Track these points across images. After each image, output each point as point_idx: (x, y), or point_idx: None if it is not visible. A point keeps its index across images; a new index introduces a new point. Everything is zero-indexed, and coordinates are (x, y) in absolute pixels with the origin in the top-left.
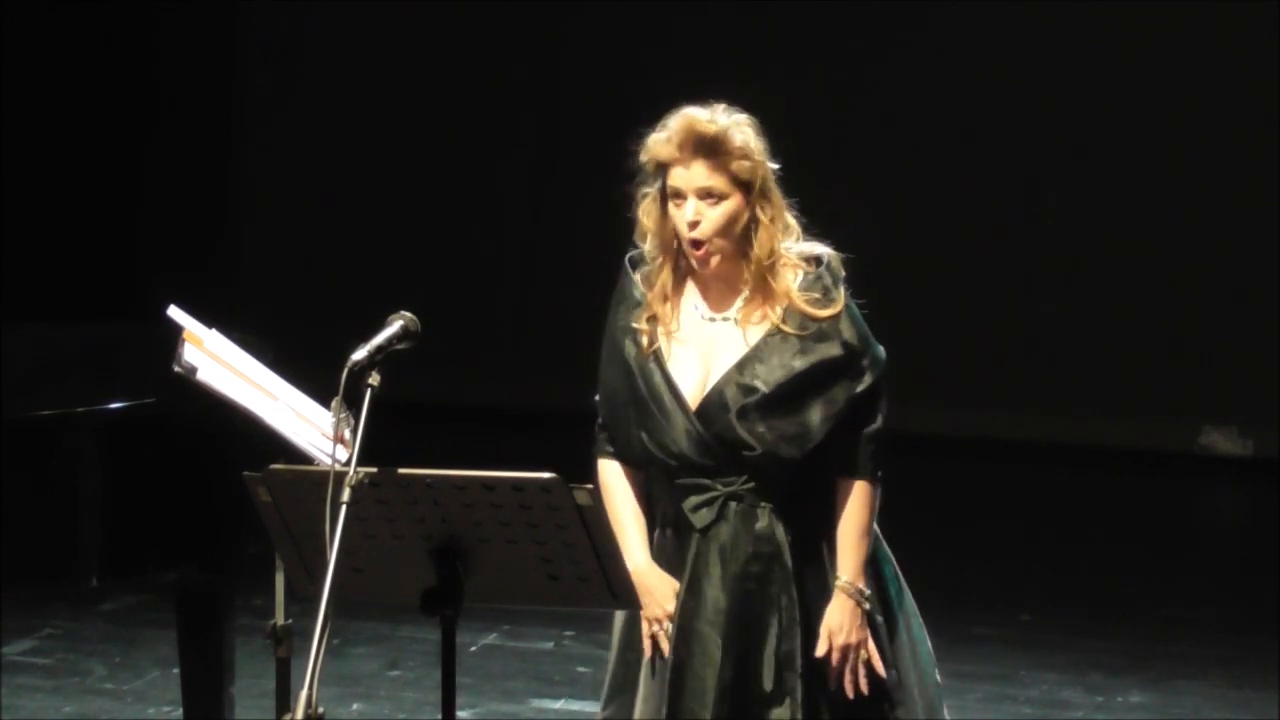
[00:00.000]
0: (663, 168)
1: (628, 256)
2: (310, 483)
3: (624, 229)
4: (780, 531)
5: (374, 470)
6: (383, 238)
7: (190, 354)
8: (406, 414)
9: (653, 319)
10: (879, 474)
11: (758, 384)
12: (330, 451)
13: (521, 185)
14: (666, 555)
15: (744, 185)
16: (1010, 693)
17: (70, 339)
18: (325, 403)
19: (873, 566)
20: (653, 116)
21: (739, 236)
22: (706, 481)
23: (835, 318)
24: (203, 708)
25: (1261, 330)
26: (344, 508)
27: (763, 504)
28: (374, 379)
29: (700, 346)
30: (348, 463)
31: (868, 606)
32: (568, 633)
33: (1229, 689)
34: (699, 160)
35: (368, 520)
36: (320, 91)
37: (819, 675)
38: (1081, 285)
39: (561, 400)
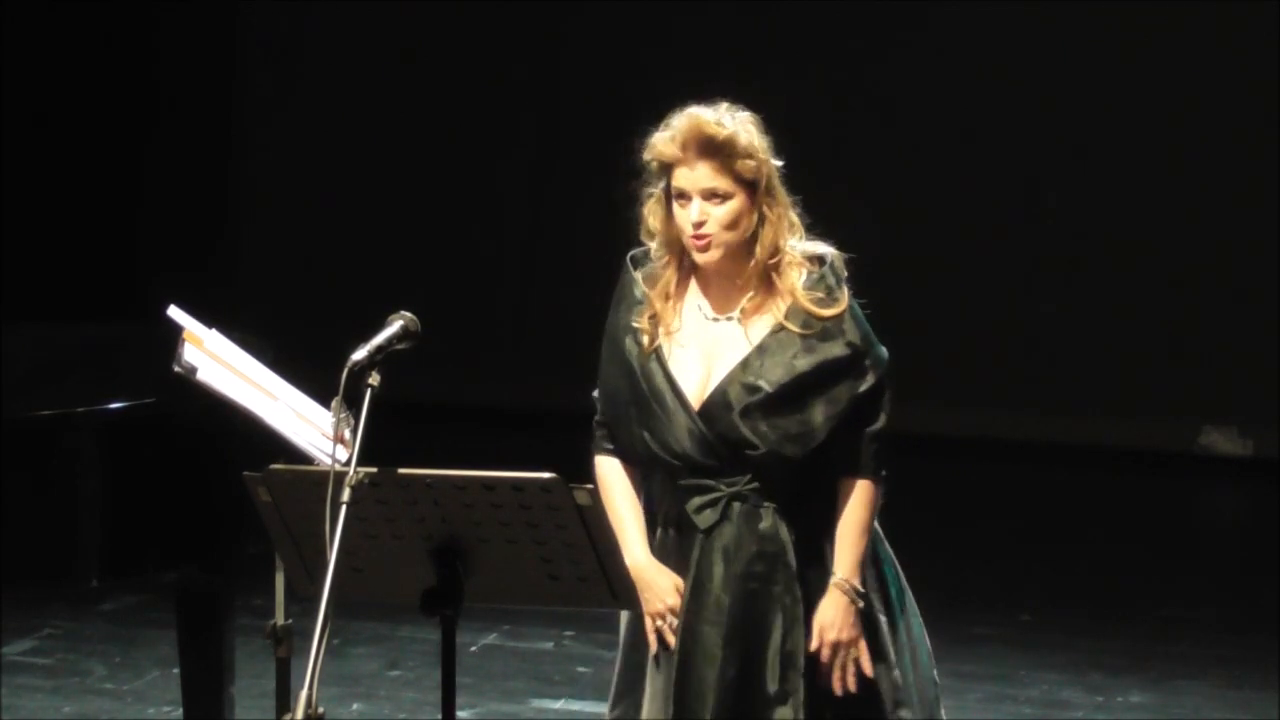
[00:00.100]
0: (667, 167)
1: (629, 255)
2: (310, 483)
3: (624, 229)
4: (784, 531)
5: (374, 470)
6: (383, 238)
7: (190, 354)
8: (406, 414)
9: (654, 318)
10: (882, 473)
11: (761, 383)
12: (330, 451)
13: (521, 185)
14: (670, 555)
15: (749, 184)
16: (1010, 693)
17: (70, 339)
18: (325, 403)
19: (874, 566)
20: (653, 116)
21: (743, 235)
22: (709, 482)
23: (838, 317)
24: (203, 708)
25: (1261, 330)
26: (344, 508)
27: (766, 503)
28: (374, 379)
29: (702, 346)
30: (348, 463)
31: (861, 605)
32: (568, 633)
33: (1229, 689)
34: (704, 161)
35: (368, 520)
36: (320, 91)
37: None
38: (1081, 285)
39: (561, 400)
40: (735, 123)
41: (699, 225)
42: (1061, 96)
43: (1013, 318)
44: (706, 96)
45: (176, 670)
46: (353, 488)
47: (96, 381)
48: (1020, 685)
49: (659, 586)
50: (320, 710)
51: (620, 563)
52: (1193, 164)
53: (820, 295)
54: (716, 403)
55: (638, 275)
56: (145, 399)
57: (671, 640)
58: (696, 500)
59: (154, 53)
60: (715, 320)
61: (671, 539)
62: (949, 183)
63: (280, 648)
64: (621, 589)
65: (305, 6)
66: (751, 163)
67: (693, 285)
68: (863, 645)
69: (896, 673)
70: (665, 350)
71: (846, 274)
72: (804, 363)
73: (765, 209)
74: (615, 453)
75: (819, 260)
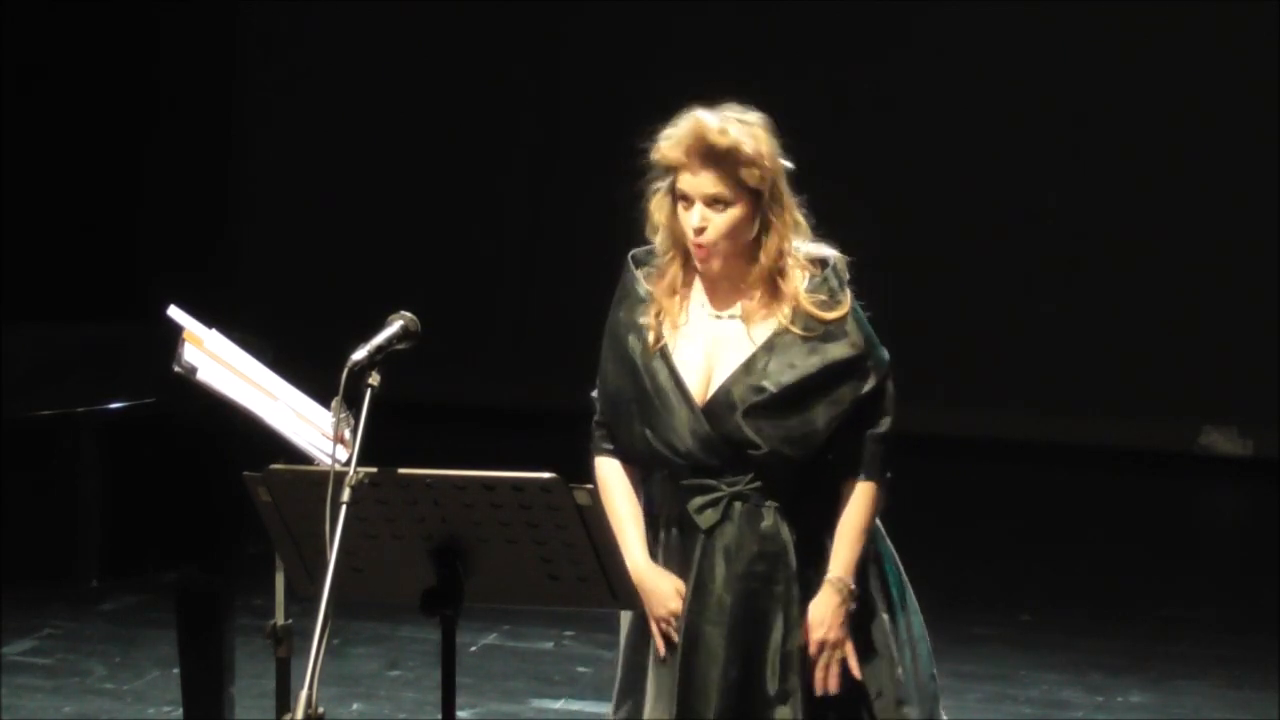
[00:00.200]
0: (672, 168)
1: (630, 254)
2: (310, 483)
3: (624, 229)
4: (785, 531)
5: (374, 470)
6: (383, 238)
7: (190, 354)
8: (406, 414)
9: (659, 315)
10: (886, 476)
11: (766, 384)
12: (330, 451)
13: (521, 185)
14: (671, 556)
15: (753, 191)
16: (1010, 693)
17: (70, 339)
18: (325, 403)
19: (875, 563)
20: (653, 117)
21: (746, 240)
22: (711, 482)
23: (841, 319)
24: (203, 708)
25: (1261, 330)
26: (344, 508)
27: (768, 503)
28: (374, 379)
29: (705, 343)
30: (348, 463)
31: (854, 606)
32: (568, 633)
33: (1229, 689)
34: (707, 169)
35: (368, 520)
36: (320, 92)
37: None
38: (1081, 285)
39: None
40: (741, 129)
41: (699, 232)
42: (1061, 96)
43: (1013, 318)
44: (706, 96)
45: (176, 670)
46: (353, 488)
47: (96, 381)
48: (1020, 685)
49: (661, 591)
50: (320, 710)
51: (620, 563)
52: (1193, 164)
53: (823, 298)
54: (720, 402)
55: (640, 274)
56: (145, 399)
57: (676, 639)
58: (698, 500)
59: (154, 53)
60: (718, 317)
61: (673, 539)
62: (949, 183)
63: (280, 648)
64: (621, 589)
65: (305, 6)
66: (756, 171)
67: (697, 283)
68: (850, 647)
69: (899, 670)
70: (670, 347)
71: (849, 276)
72: (808, 364)
73: (770, 216)
74: (615, 453)
75: (822, 263)
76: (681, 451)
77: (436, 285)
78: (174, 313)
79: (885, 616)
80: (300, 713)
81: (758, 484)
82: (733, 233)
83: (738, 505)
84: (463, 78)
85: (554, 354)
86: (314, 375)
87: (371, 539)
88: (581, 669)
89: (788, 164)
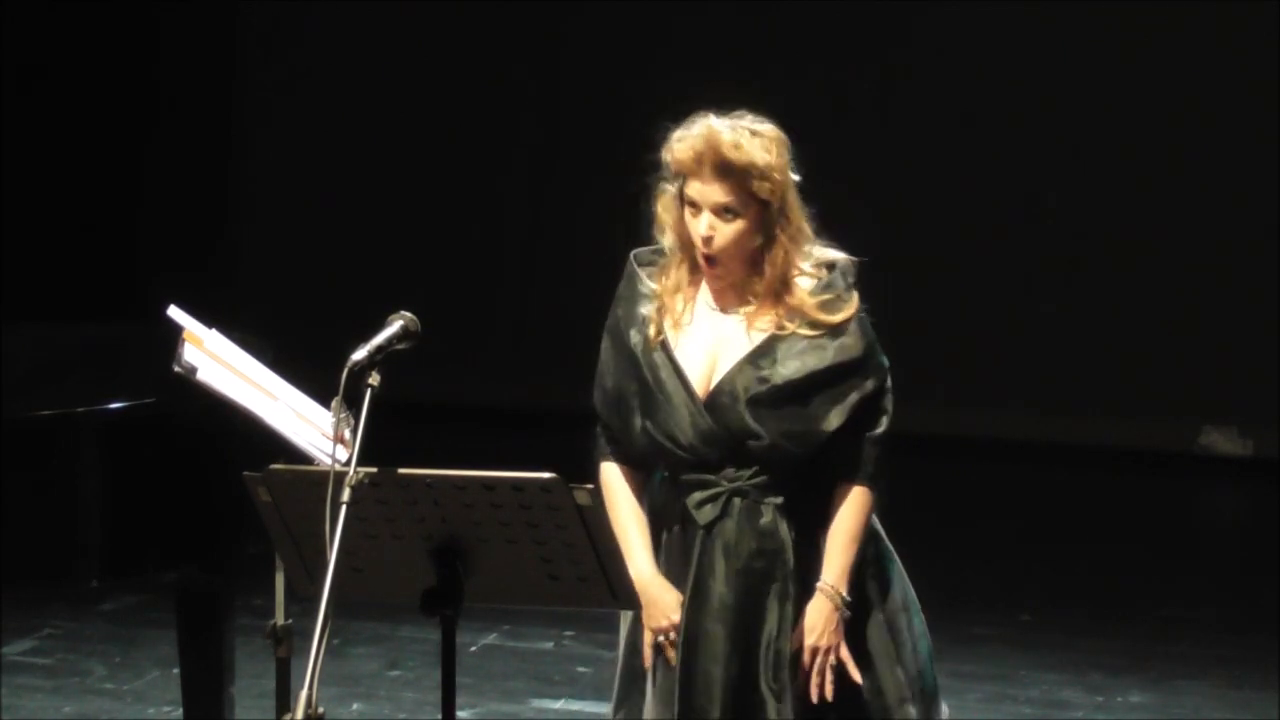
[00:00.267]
0: (681, 171)
1: (633, 253)
2: (310, 483)
3: (624, 229)
4: (784, 529)
5: (374, 470)
6: (383, 238)
7: (190, 354)
8: (406, 414)
9: (661, 310)
10: (879, 480)
11: (770, 375)
12: (330, 451)
13: (521, 185)
14: (672, 553)
15: (762, 203)
16: (1010, 693)
17: (70, 339)
18: (325, 403)
19: (875, 564)
20: (653, 117)
21: (753, 250)
22: (711, 477)
23: (847, 321)
24: (203, 708)
25: (1261, 330)
26: (344, 508)
27: (767, 500)
28: (374, 379)
29: (708, 339)
30: (348, 463)
31: (848, 614)
32: (568, 633)
33: (1229, 689)
34: (718, 179)
35: (368, 520)
36: (320, 92)
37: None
38: (1081, 285)
39: (561, 400)
40: (755, 142)
41: (707, 240)
42: (1061, 96)
43: (1013, 318)
44: (706, 96)
45: (176, 670)
46: (353, 488)
47: (96, 381)
48: (1020, 685)
49: (663, 602)
50: (320, 710)
51: (620, 563)
52: (1193, 164)
53: (829, 299)
54: (724, 392)
55: (643, 272)
56: (145, 399)
57: (671, 655)
58: (697, 495)
59: (154, 53)
60: (722, 315)
61: (674, 537)
62: (949, 183)
63: (280, 648)
64: (621, 589)
65: (305, 6)
66: (767, 184)
67: (702, 283)
68: (845, 651)
69: (900, 669)
70: (672, 341)
71: (854, 279)
72: (813, 361)
73: (777, 229)
74: (618, 456)
75: (829, 266)
76: (683, 444)
77: (436, 285)
78: (174, 313)
79: (884, 616)
80: (300, 713)
81: (757, 480)
82: (740, 242)
83: (737, 501)
84: (463, 78)
85: (554, 354)
86: (314, 375)
87: (371, 539)
88: (581, 669)
89: (796, 176)
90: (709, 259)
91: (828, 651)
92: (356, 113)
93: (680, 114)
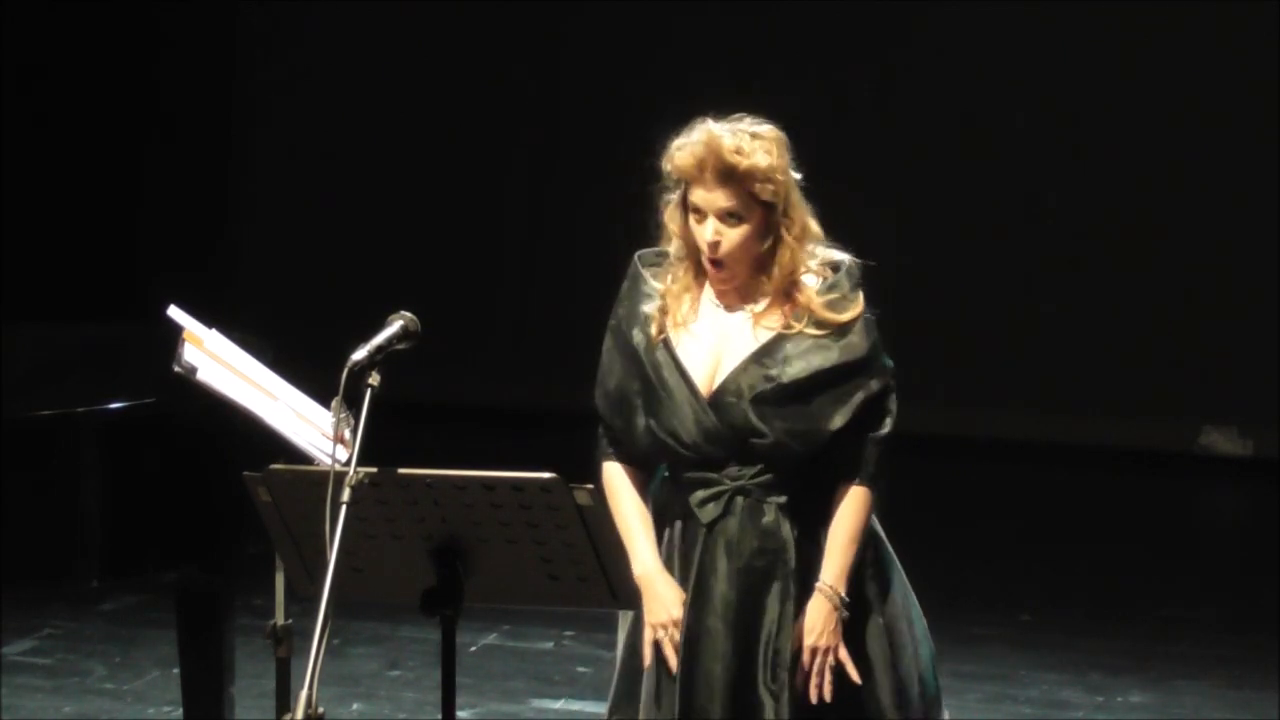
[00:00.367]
0: (683, 179)
1: (637, 254)
2: (310, 483)
3: (624, 229)
4: (786, 528)
5: (374, 470)
6: (383, 238)
7: (190, 354)
8: (406, 414)
9: (664, 309)
10: (879, 482)
11: (776, 374)
12: (330, 451)
13: (521, 185)
14: (675, 552)
15: (766, 205)
16: (1010, 693)
17: (70, 339)
18: (325, 403)
19: (875, 566)
20: (653, 117)
21: (760, 253)
22: (714, 475)
23: (852, 321)
24: (203, 708)
25: (1261, 330)
26: (344, 508)
27: (770, 499)
28: (374, 379)
29: (712, 337)
30: (348, 463)
31: (846, 615)
32: (568, 633)
33: (1229, 689)
34: (722, 185)
35: (368, 520)
36: (320, 91)
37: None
38: (1081, 285)
39: (561, 400)
40: (756, 145)
41: (714, 246)
42: (1061, 96)
43: (1013, 318)
44: (706, 96)
45: (176, 670)
46: (353, 488)
47: (96, 381)
48: (1020, 685)
49: (665, 597)
50: (320, 710)
51: (620, 563)
52: (1193, 164)
53: (835, 298)
54: (728, 390)
55: (647, 273)
56: (145, 399)
57: (669, 651)
58: (700, 494)
59: (154, 53)
60: (726, 313)
61: (676, 534)
62: (949, 183)
63: (280, 648)
64: (621, 589)
65: (305, 6)
66: (770, 186)
67: (707, 284)
68: (844, 653)
69: (896, 674)
70: (675, 340)
71: (859, 280)
72: (818, 360)
73: (783, 230)
74: (620, 456)
75: (834, 267)
76: (686, 442)
77: (436, 285)
78: (174, 313)
79: (884, 620)
80: (300, 713)
81: (760, 479)
82: (747, 246)
83: (739, 500)
84: (463, 78)
85: (554, 354)
86: (314, 375)
87: (371, 539)
88: (581, 669)
89: (797, 175)
90: (716, 264)
91: (826, 652)
92: (356, 113)
93: (680, 114)
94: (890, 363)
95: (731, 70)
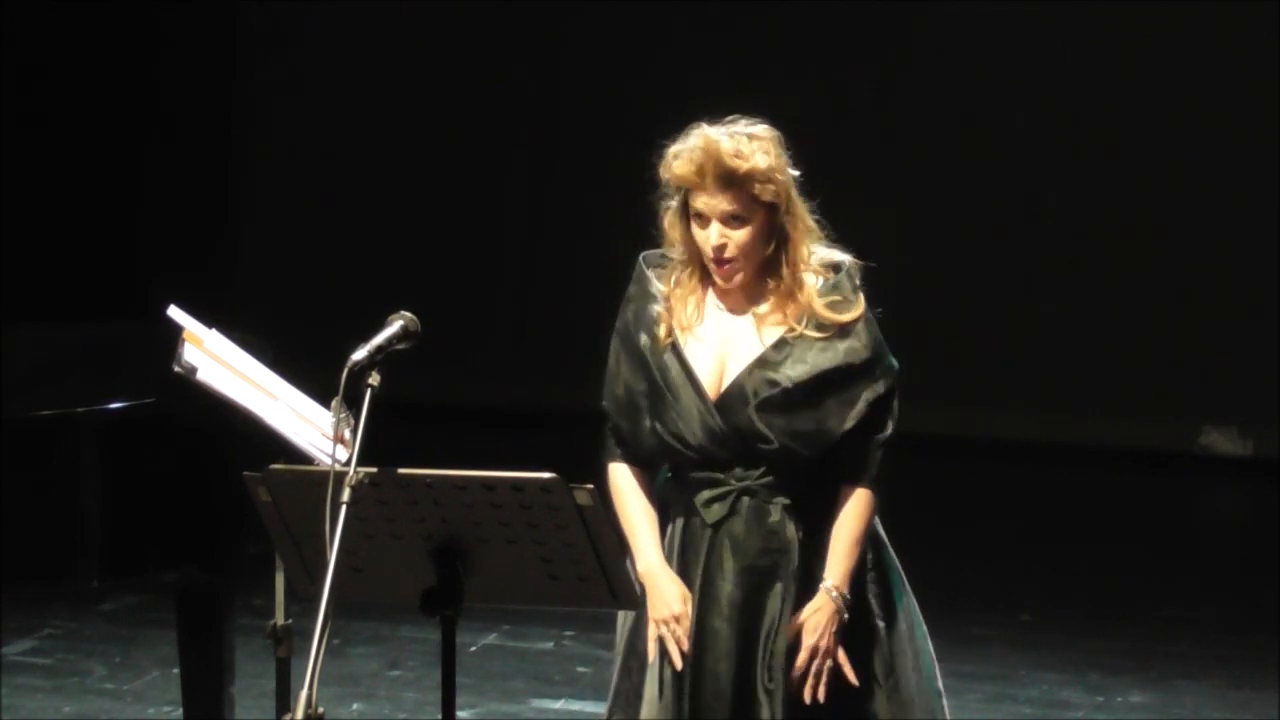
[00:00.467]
0: (683, 187)
1: (642, 255)
2: (310, 483)
3: (624, 229)
4: (790, 529)
5: (374, 470)
6: (383, 238)
7: (190, 354)
8: (406, 414)
9: (669, 311)
10: (880, 483)
11: (780, 379)
12: (330, 451)
13: (521, 185)
14: (680, 551)
15: (768, 206)
16: (1010, 693)
17: (70, 339)
18: (325, 403)
19: (877, 570)
20: (653, 117)
21: (765, 254)
22: (720, 476)
23: (854, 322)
24: (203, 708)
25: (1261, 330)
26: (344, 508)
27: (775, 500)
28: (374, 379)
29: (718, 340)
30: (348, 463)
31: (847, 616)
32: (568, 633)
33: (1229, 689)
34: (723, 189)
35: (368, 520)
36: (320, 92)
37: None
38: (1081, 285)
39: (561, 400)
40: (754, 147)
41: (719, 250)
42: (1061, 96)
43: (1013, 318)
44: (706, 96)
45: (176, 670)
46: (353, 488)
47: (96, 381)
48: (1020, 685)
49: (668, 593)
50: (320, 710)
51: (620, 563)
52: (1193, 164)
53: (836, 299)
54: (734, 395)
55: (651, 274)
56: (145, 399)
57: (672, 647)
58: (705, 494)
59: (154, 53)
60: (731, 315)
61: (681, 535)
62: (949, 183)
63: (280, 648)
64: (621, 589)
65: (305, 6)
66: (771, 187)
67: (711, 288)
68: (842, 655)
69: (898, 675)
70: (681, 342)
71: (860, 281)
72: (822, 362)
73: (787, 229)
74: (627, 457)
75: (835, 267)
76: (692, 444)
77: (436, 285)
78: (174, 313)
79: (883, 624)
80: (300, 713)
81: (766, 480)
82: (752, 247)
83: (745, 500)
84: (463, 78)
85: (554, 354)
86: (314, 375)
87: (371, 539)
88: (581, 669)
89: (795, 172)
90: (723, 267)
91: (826, 653)
92: (356, 113)
93: (680, 114)
94: (896, 363)
95: (731, 70)
